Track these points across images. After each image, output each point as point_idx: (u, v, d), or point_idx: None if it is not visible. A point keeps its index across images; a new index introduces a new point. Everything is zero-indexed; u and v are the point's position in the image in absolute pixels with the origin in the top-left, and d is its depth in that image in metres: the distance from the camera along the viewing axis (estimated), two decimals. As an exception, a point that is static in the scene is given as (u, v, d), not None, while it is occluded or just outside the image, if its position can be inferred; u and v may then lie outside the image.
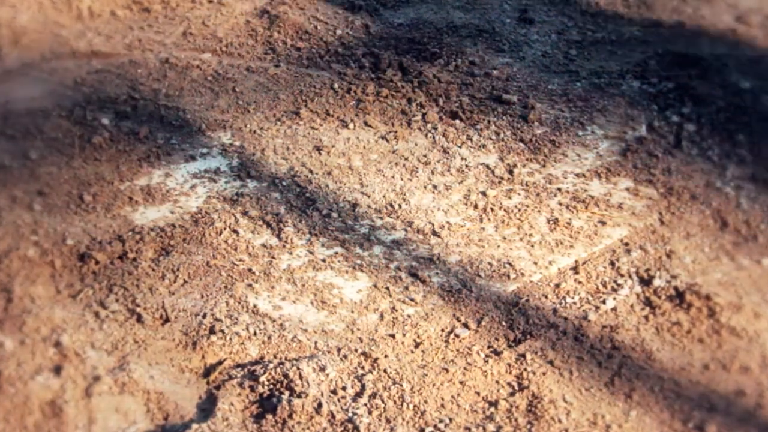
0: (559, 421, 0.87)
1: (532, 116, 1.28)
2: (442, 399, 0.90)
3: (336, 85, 1.33)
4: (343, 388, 0.90)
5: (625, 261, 1.06)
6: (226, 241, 1.07)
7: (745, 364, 0.94)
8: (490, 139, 1.25)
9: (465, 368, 0.93)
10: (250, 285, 1.01)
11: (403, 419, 0.88)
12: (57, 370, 0.90)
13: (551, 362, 0.93)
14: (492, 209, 1.14)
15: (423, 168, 1.19)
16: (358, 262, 1.06)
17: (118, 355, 0.92)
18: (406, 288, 1.03)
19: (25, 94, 1.27)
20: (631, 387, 0.91)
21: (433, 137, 1.24)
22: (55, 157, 1.18)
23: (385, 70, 1.35)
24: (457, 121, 1.28)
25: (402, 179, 1.18)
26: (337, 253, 1.07)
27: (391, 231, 1.11)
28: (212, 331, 0.95)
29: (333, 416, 0.87)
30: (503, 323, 0.98)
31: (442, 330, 0.98)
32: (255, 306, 0.99)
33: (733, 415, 0.89)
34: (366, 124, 1.26)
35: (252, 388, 0.90)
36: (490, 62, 1.39)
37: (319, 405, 0.87)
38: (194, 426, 0.86)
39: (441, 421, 0.88)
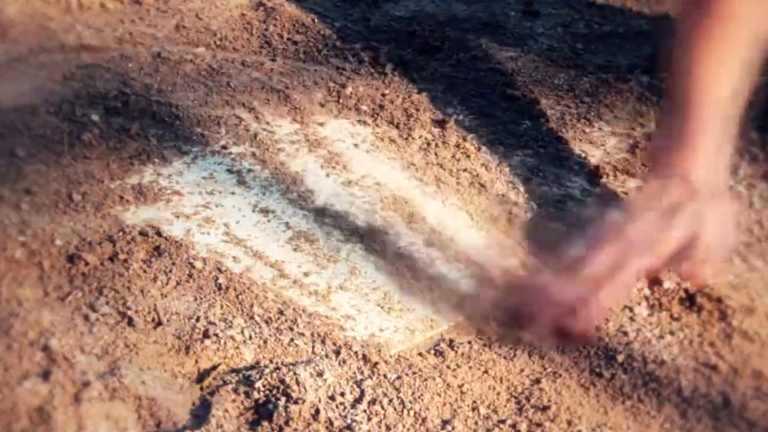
0: (565, 426, 0.86)
1: (537, 112, 1.27)
2: (444, 405, 0.89)
3: (334, 80, 1.32)
4: (342, 394, 0.89)
5: (633, 262, 1.05)
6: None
7: (757, 369, 0.92)
8: (494, 135, 1.24)
9: (468, 373, 0.92)
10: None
11: (404, 426, 0.86)
12: (45, 375, 0.88)
13: (557, 366, 0.92)
14: (496, 208, 1.13)
15: (424, 165, 1.18)
16: (358, 261, 1.05)
17: (109, 359, 0.90)
18: (408, 289, 1.02)
19: (12, 89, 1.25)
20: (640, 391, 0.90)
21: (435, 134, 1.22)
22: (43, 154, 1.15)
23: (385, 65, 1.34)
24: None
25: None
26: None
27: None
28: (206, 335, 0.93)
29: (331, 423, 0.85)
30: (507, 326, 0.96)
31: (445, 333, 0.96)
32: (251, 308, 0.97)
33: (745, 421, 0.87)
34: (366, 120, 1.25)
35: (247, 394, 0.88)
36: (494, 56, 1.38)
37: (317, 411, 0.86)
38: (187, 433, 0.84)
39: (443, 428, 0.86)
